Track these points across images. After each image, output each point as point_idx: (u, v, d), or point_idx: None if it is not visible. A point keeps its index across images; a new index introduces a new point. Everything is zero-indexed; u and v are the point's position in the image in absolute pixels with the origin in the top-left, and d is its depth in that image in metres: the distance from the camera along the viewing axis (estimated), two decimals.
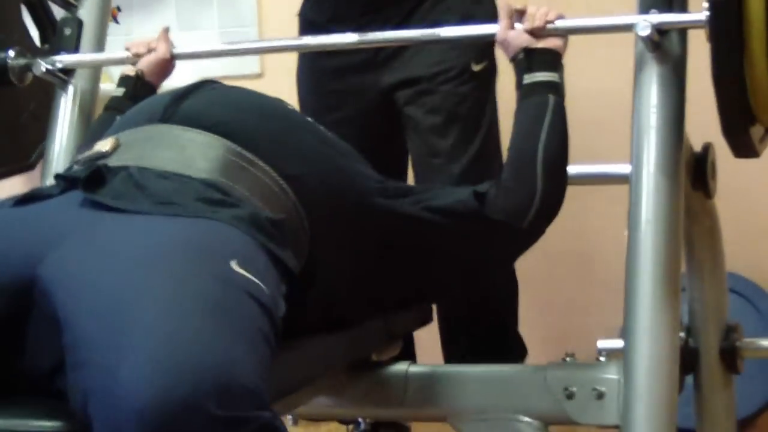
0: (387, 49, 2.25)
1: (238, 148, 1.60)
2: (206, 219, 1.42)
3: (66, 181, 1.54)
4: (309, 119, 1.81)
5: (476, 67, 2.26)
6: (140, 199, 1.45)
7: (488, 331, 2.42)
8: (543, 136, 1.76)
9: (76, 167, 1.62)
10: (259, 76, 3.46)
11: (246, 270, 1.31)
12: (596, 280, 3.19)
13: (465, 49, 2.27)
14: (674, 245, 1.76)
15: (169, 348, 1.13)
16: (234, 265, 1.31)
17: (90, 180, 1.47)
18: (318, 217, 1.64)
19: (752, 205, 2.72)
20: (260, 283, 1.32)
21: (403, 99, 2.31)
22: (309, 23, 2.36)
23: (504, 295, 2.43)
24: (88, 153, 1.64)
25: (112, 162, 1.56)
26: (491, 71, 2.32)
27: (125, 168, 1.53)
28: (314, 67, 2.38)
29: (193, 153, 1.58)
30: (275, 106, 1.79)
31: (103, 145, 1.62)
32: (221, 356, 1.16)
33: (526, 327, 2.37)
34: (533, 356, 2.37)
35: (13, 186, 2.76)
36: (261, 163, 1.60)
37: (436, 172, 2.27)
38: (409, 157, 2.43)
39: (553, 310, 3.14)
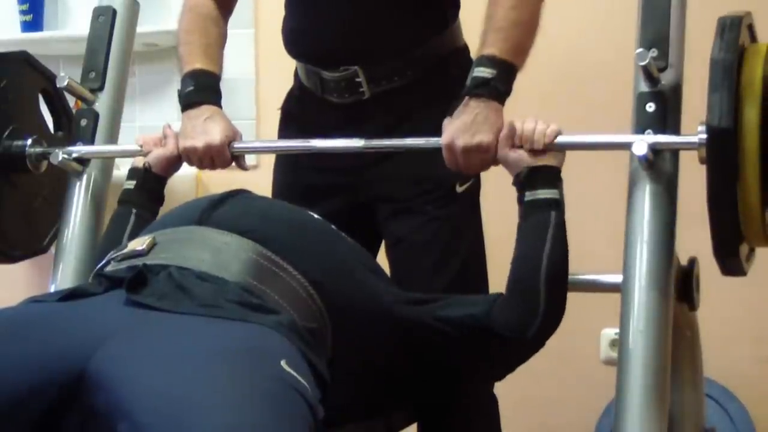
0: (369, 156, 2.19)
1: (269, 253, 1.67)
2: (249, 323, 1.48)
3: (108, 280, 1.60)
4: (333, 228, 1.87)
5: (460, 188, 2.21)
6: (184, 301, 1.51)
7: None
8: (545, 255, 1.81)
9: (114, 264, 1.68)
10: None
11: (294, 370, 1.38)
12: (573, 377, 3.27)
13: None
14: (663, 354, 1.80)
15: None
16: (284, 364, 1.37)
17: (133, 281, 1.54)
18: (338, 322, 1.70)
19: (719, 314, 2.80)
20: (306, 384, 1.38)
21: (383, 213, 2.26)
22: (293, 119, 2.37)
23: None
24: (123, 251, 1.70)
25: (150, 260, 1.63)
26: (475, 190, 2.26)
27: (165, 267, 1.59)
28: (292, 163, 2.37)
29: (228, 256, 1.65)
30: (302, 216, 1.87)
31: (140, 243, 1.68)
32: None
33: (503, 422, 2.41)
34: None
35: (23, 267, 2.82)
36: (290, 269, 1.67)
37: (416, 288, 2.09)
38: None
39: (530, 406, 3.19)
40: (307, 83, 2.29)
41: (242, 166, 2.20)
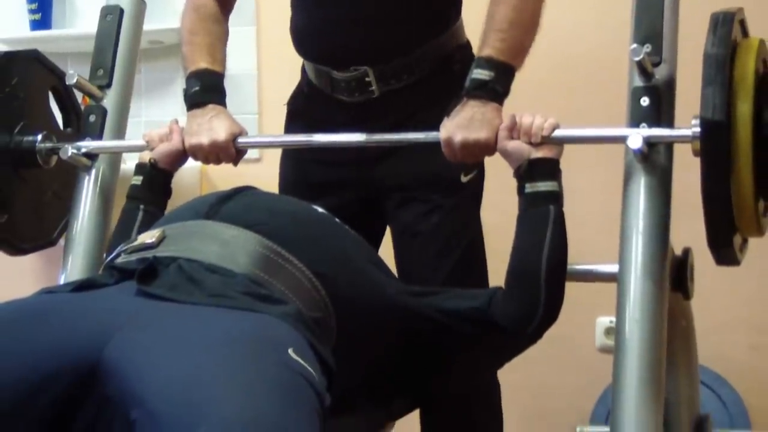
0: (373, 151, 2.23)
1: (274, 245, 1.71)
2: (258, 313, 1.52)
3: (119, 272, 1.64)
4: (337, 221, 1.91)
5: (465, 178, 2.24)
6: (194, 292, 1.55)
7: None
8: (546, 249, 1.85)
9: (124, 256, 1.71)
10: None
11: (301, 358, 1.41)
12: (569, 363, 3.31)
13: None
14: (659, 344, 1.82)
15: (240, 421, 1.24)
16: (291, 353, 1.41)
17: (144, 273, 1.58)
18: (341, 312, 1.74)
19: (711, 303, 2.84)
20: (313, 372, 1.41)
21: (390, 204, 2.30)
22: (299, 116, 2.40)
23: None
24: (133, 243, 1.74)
25: (160, 252, 1.66)
26: (479, 180, 2.30)
27: (174, 259, 1.63)
28: (298, 158, 2.40)
29: (235, 248, 1.68)
30: (307, 210, 1.91)
31: (150, 236, 1.72)
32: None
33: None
34: None
35: (32, 259, 2.85)
36: (295, 260, 1.71)
37: (419, 278, 2.19)
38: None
39: (527, 392, 3.23)
40: (316, 82, 2.32)
41: (235, 163, 2.23)
